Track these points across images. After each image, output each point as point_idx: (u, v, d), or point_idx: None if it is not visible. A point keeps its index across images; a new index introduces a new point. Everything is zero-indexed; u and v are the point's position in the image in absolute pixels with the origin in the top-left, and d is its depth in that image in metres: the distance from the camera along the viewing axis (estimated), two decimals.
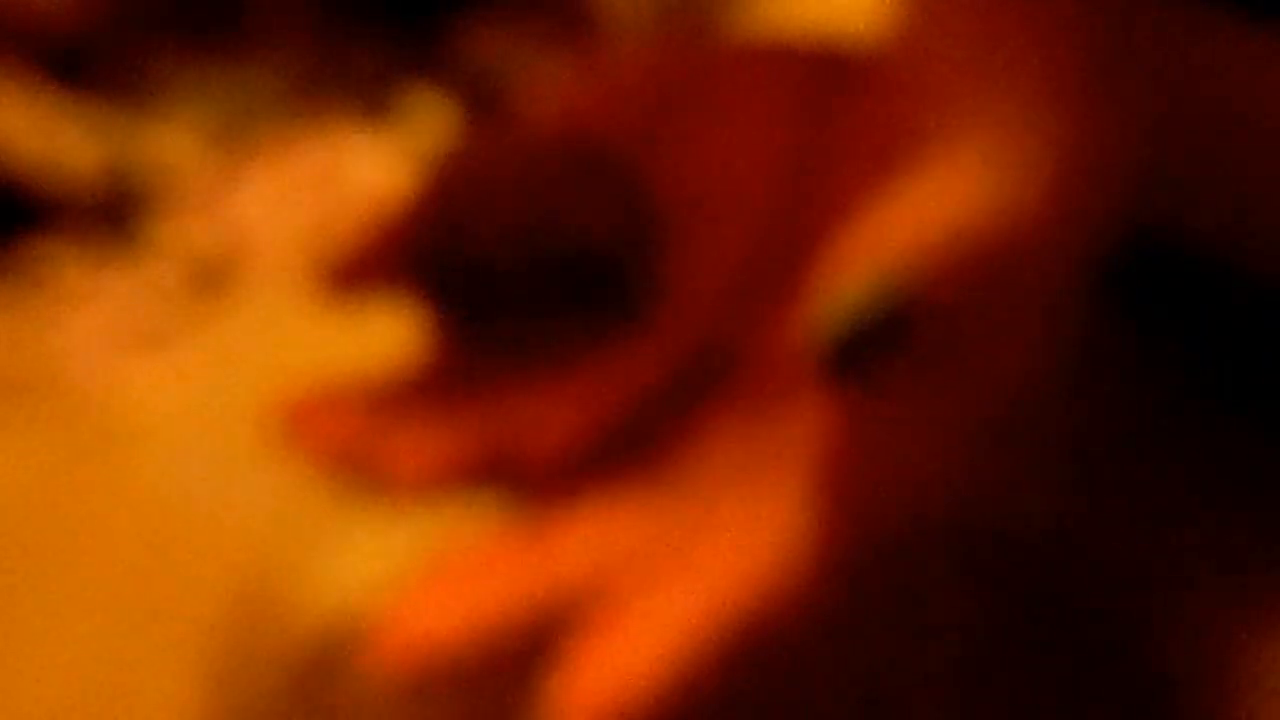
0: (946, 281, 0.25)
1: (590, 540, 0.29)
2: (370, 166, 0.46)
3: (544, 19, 0.48)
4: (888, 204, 0.26)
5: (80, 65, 0.47)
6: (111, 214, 0.45)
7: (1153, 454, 0.33)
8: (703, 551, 0.27)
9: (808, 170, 0.31)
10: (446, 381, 0.33)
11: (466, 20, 0.48)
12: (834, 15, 0.45)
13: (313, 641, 0.36)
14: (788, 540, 0.26)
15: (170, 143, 0.47)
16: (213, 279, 0.44)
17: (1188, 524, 0.33)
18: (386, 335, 0.36)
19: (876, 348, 0.24)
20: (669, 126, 0.32)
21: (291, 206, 0.45)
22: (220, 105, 0.47)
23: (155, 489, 0.39)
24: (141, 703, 0.35)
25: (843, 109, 0.31)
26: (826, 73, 0.32)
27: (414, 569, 0.29)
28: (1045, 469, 0.34)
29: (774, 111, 0.31)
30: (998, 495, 0.33)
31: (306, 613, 0.36)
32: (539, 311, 0.33)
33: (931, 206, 0.26)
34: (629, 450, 0.31)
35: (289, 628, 0.36)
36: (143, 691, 0.35)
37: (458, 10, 0.48)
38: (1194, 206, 0.30)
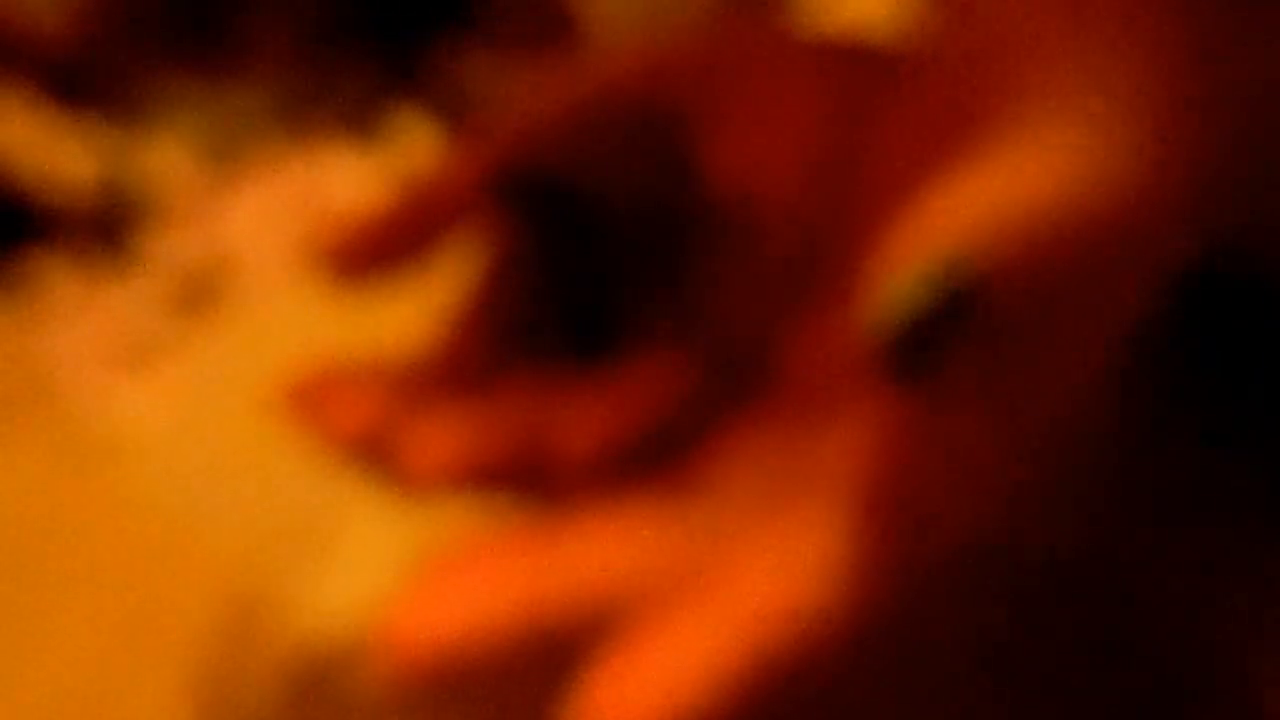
0: (1020, 266, 0.22)
1: (613, 548, 0.26)
2: (355, 184, 0.47)
3: (527, 40, 0.48)
4: (950, 188, 0.23)
5: (77, 82, 0.48)
6: (105, 228, 0.45)
7: (1189, 478, 0.32)
8: (735, 574, 0.24)
9: (847, 169, 0.30)
10: (472, 370, 0.32)
11: (451, 41, 0.49)
12: (865, 15, 0.46)
13: (304, 657, 0.36)
14: (828, 566, 0.23)
15: (162, 159, 0.47)
16: (202, 293, 0.45)
17: (1224, 551, 0.31)
18: (383, 338, 0.36)
19: (939, 340, 0.21)
20: (713, 108, 0.31)
21: (279, 222, 0.46)
22: (211, 123, 0.48)
23: (146, 503, 0.39)
24: (135, 704, 0.35)
25: (883, 107, 0.30)
26: (866, 70, 0.30)
27: (422, 561, 0.27)
28: (1083, 485, 0.32)
29: (815, 107, 0.30)
30: (1037, 510, 0.32)
31: (299, 628, 0.36)
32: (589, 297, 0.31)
33: (1002, 189, 0.23)
34: (659, 457, 0.30)
35: (281, 643, 0.36)
36: (134, 706, 0.35)
37: (442, 31, 0.49)
38: (1262, 226, 0.27)
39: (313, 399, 0.30)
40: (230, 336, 0.44)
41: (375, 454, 0.30)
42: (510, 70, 0.48)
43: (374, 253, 0.31)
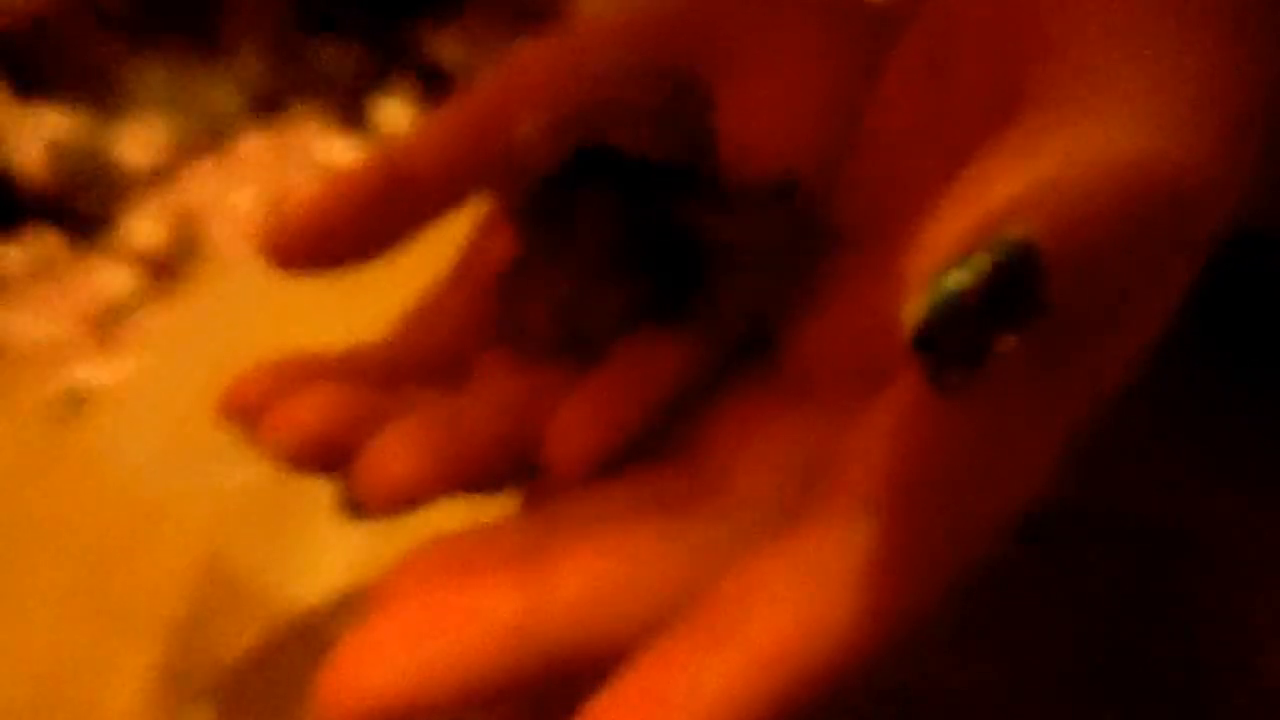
0: (1078, 241, 0.19)
1: (608, 564, 0.22)
2: (335, 165, 0.46)
3: (512, 22, 0.48)
4: (991, 160, 0.20)
5: (44, 62, 0.47)
6: (74, 207, 0.44)
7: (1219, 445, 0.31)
8: (749, 592, 0.21)
9: (854, 125, 0.28)
10: (451, 358, 0.28)
11: (436, 24, 0.48)
12: None
13: (277, 631, 0.35)
14: (854, 581, 0.20)
15: (133, 138, 0.46)
16: (172, 265, 0.44)
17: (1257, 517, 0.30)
18: (353, 321, 0.34)
19: (989, 331, 0.18)
20: (722, 62, 0.29)
21: (252, 198, 0.45)
22: (187, 106, 0.47)
23: (114, 480, 0.38)
24: (96, 695, 0.34)
25: (892, 62, 0.27)
26: (877, 28, 0.29)
27: (380, 586, 0.23)
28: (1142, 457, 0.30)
29: (825, 61, 0.28)
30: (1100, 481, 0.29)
31: (271, 602, 0.35)
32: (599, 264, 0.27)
33: (1050, 159, 0.20)
34: (661, 454, 0.26)
35: (253, 618, 0.35)
36: (97, 683, 0.34)
37: (427, 14, 0.48)
38: None
39: (255, 398, 0.26)
40: (199, 307, 0.42)
41: (327, 465, 0.26)
42: (494, 52, 0.47)
43: (327, 241, 0.28)
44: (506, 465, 0.27)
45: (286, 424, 0.26)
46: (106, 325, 0.42)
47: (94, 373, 0.41)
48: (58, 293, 0.43)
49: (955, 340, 0.18)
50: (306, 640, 0.34)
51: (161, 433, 0.39)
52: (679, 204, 0.27)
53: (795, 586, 0.20)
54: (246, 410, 0.26)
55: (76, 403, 0.40)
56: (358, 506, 0.25)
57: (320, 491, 0.36)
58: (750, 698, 0.20)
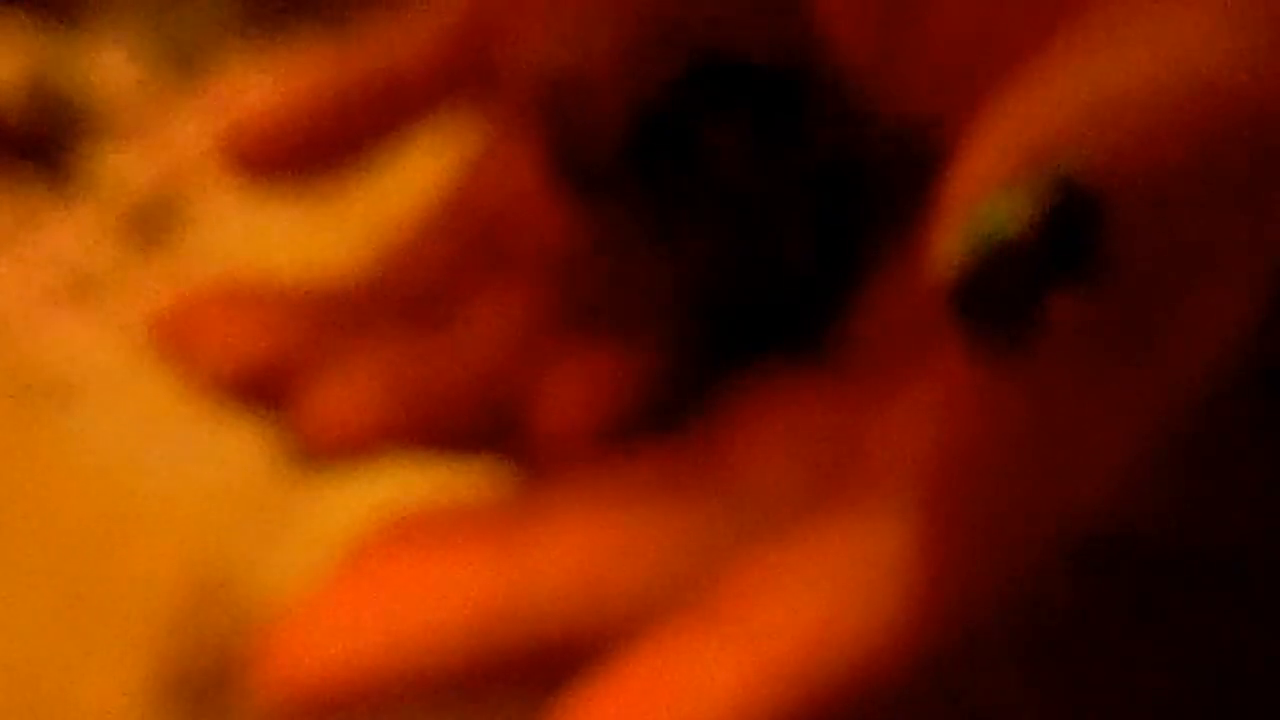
0: (1146, 167, 0.15)
1: (600, 542, 0.20)
2: None
3: None
4: (1047, 66, 0.17)
5: None
6: (40, 145, 0.41)
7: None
8: (761, 585, 0.18)
9: (898, 23, 0.22)
10: (424, 298, 0.25)
11: None
12: None
13: (265, 623, 0.33)
14: (883, 578, 0.18)
15: (105, 68, 0.43)
16: (152, 219, 0.40)
17: None
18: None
19: (1037, 276, 0.15)
20: None
21: None
22: (161, 27, 0.43)
23: (94, 452, 0.36)
24: (79, 689, 0.32)
25: None
26: None
27: (341, 552, 0.20)
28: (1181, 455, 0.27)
29: None
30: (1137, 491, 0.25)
31: (258, 589, 0.33)
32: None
33: (1106, 71, 0.16)
34: (670, 427, 0.23)
35: (239, 607, 0.33)
36: (80, 677, 0.32)
37: None
38: None
39: (190, 324, 0.23)
40: (183, 268, 0.39)
41: (262, 400, 0.23)
42: None
43: (299, 147, 0.24)
44: (482, 419, 0.23)
45: (225, 348, 0.23)
46: (85, 288, 0.39)
47: (74, 346, 0.38)
48: (32, 249, 0.39)
49: (997, 291, 0.15)
50: None
51: (145, 415, 0.37)
52: (820, 126, 0.21)
53: (818, 582, 0.18)
54: (182, 333, 0.23)
55: (55, 381, 0.37)
56: (303, 452, 0.22)
57: (312, 479, 0.34)
58: (762, 704, 0.17)
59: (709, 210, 0.21)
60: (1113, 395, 0.17)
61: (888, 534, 0.18)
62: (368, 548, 0.20)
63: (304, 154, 0.24)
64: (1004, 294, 0.15)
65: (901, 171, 0.21)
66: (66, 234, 0.40)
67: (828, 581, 0.18)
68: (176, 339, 0.23)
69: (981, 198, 0.15)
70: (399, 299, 0.25)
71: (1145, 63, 0.16)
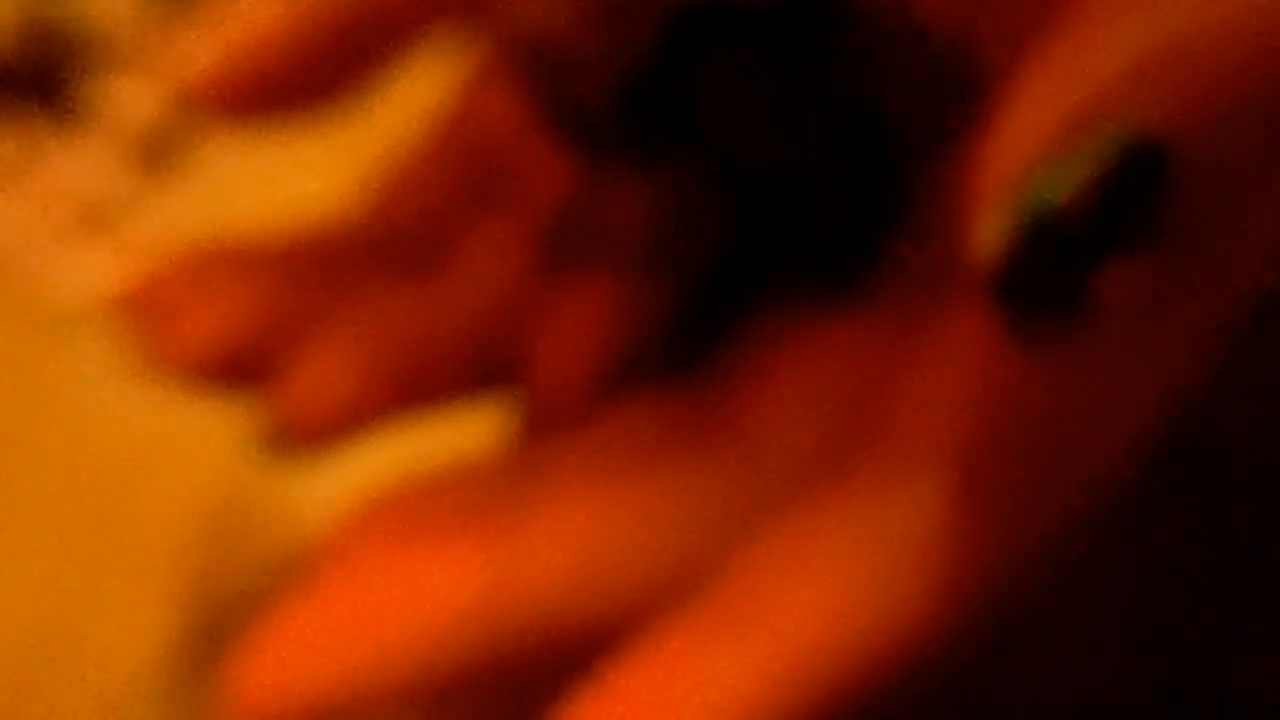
0: (1213, 123, 0.14)
1: (600, 525, 0.18)
2: None
3: None
4: (1093, 16, 0.15)
5: None
6: (40, 82, 0.41)
7: None
8: (774, 567, 0.17)
9: None
10: (425, 246, 0.23)
11: None
12: None
13: (291, 557, 0.32)
14: (909, 558, 0.16)
15: None
16: (159, 147, 0.40)
17: None
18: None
19: (1093, 254, 0.13)
20: None
21: None
22: None
23: (106, 386, 0.35)
24: (102, 631, 0.32)
25: None
26: None
27: (321, 542, 0.19)
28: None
29: None
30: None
31: (279, 524, 0.33)
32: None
33: (1162, 21, 0.14)
34: (674, 381, 0.21)
35: (265, 542, 0.32)
36: (104, 612, 0.32)
37: None
38: None
39: (165, 296, 0.21)
40: (192, 196, 0.39)
41: (237, 383, 0.21)
42: None
43: (292, 74, 0.22)
44: (477, 369, 0.22)
45: (190, 334, 0.21)
46: (91, 222, 0.38)
47: (83, 279, 0.37)
48: (36, 184, 0.39)
49: (1047, 275, 0.13)
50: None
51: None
52: (833, 64, 0.19)
53: (837, 561, 0.16)
54: (150, 311, 0.22)
55: (65, 314, 0.37)
56: (282, 437, 0.21)
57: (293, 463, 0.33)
58: (777, 701, 0.16)
59: (711, 159, 0.20)
60: (1154, 350, 0.16)
61: (916, 503, 0.17)
62: (347, 542, 0.19)
63: (298, 81, 0.23)
64: (1056, 276, 0.13)
65: (938, 97, 0.20)
66: (71, 167, 0.39)
67: (849, 558, 0.16)
68: (145, 322, 0.22)
69: (1027, 171, 0.14)
70: (387, 242, 0.23)
71: (1193, 7, 0.14)
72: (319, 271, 0.22)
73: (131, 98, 0.40)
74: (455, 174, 0.24)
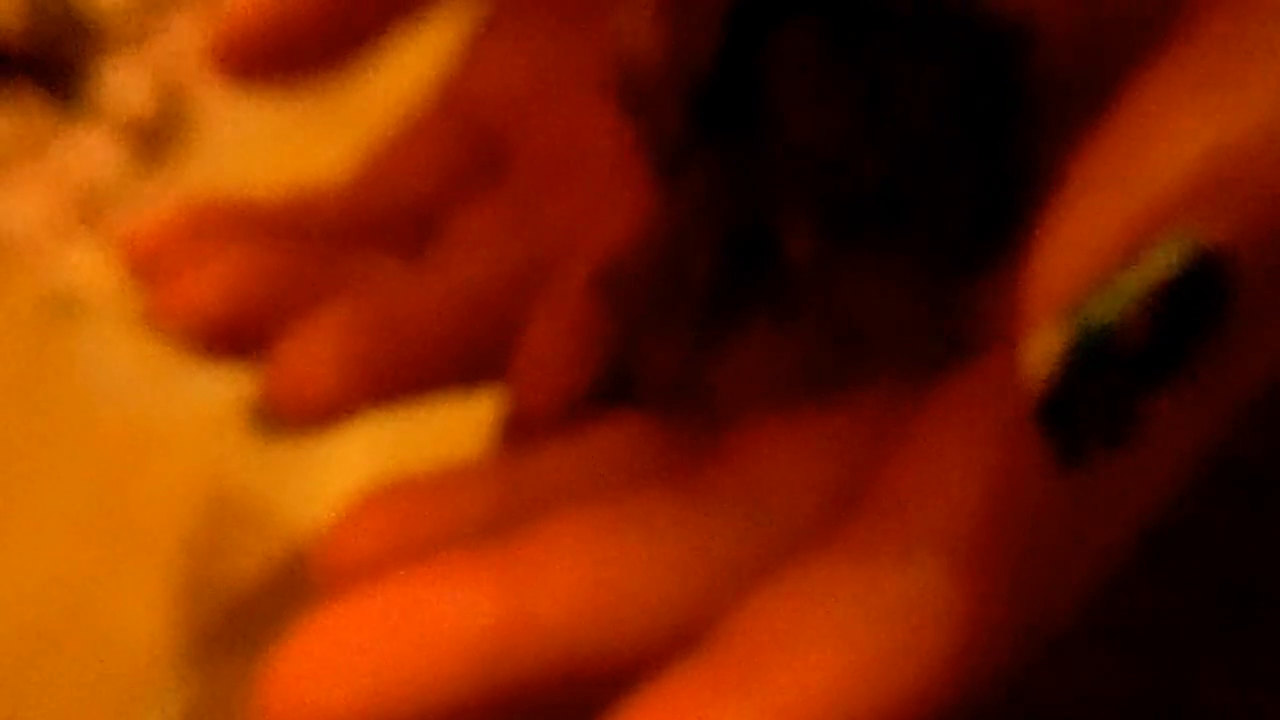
0: (1271, 236, 0.13)
1: (605, 559, 0.18)
2: None
3: None
4: (1142, 110, 0.14)
5: None
6: (44, 66, 0.41)
7: None
8: (784, 621, 0.17)
9: None
10: (418, 219, 0.23)
11: None
12: None
13: (287, 551, 0.33)
14: (920, 630, 0.16)
15: None
16: (157, 134, 0.41)
17: None
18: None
19: (1152, 374, 0.13)
20: None
21: None
22: None
23: (109, 371, 0.36)
24: (107, 601, 0.32)
25: None
26: None
27: (320, 552, 0.19)
28: None
29: None
30: None
31: (281, 508, 0.33)
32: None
33: (1227, 108, 0.14)
34: (655, 406, 0.20)
35: (263, 533, 0.33)
36: (108, 589, 0.33)
37: None
38: None
39: (163, 254, 0.21)
40: (192, 182, 0.39)
41: (237, 350, 0.21)
42: None
43: (295, 43, 0.23)
44: (462, 360, 0.22)
45: (187, 299, 0.21)
46: (94, 208, 0.39)
47: (83, 269, 0.38)
48: (39, 170, 0.40)
49: (1097, 400, 0.13)
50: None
51: (155, 340, 0.37)
52: (901, 49, 0.18)
53: (842, 623, 0.16)
54: (149, 267, 0.22)
55: (65, 305, 0.37)
56: (271, 415, 0.21)
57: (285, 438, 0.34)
58: None
59: (791, 152, 0.18)
60: (1178, 435, 0.16)
61: (912, 583, 0.16)
62: (347, 542, 0.19)
63: (300, 50, 0.23)
64: (1107, 401, 0.13)
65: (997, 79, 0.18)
66: (74, 152, 0.40)
67: (849, 631, 0.16)
68: (145, 275, 0.22)
69: (1080, 289, 0.13)
70: (381, 214, 0.23)
71: (1254, 107, 0.14)
72: (314, 241, 0.23)
73: (131, 81, 0.41)
74: (450, 147, 0.24)
